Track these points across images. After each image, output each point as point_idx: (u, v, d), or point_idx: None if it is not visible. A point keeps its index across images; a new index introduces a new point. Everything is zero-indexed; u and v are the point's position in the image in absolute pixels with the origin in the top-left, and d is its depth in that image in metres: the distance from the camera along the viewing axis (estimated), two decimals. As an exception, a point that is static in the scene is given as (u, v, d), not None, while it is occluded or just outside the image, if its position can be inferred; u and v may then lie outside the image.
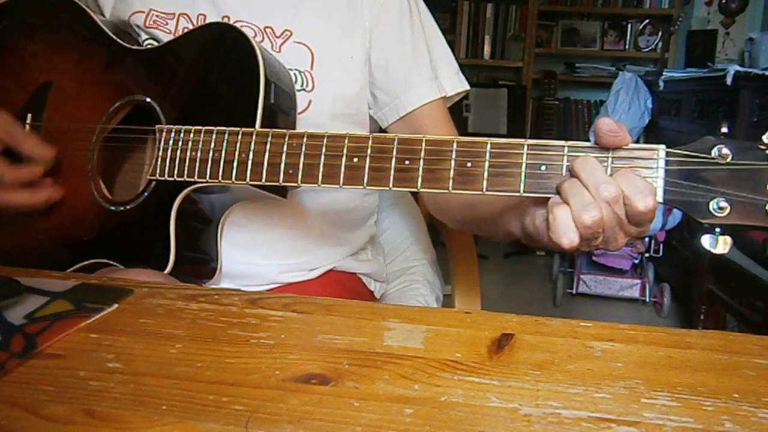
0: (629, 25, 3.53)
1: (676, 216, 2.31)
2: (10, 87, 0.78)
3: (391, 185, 0.55)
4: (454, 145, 0.54)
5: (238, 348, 0.44)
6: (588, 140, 0.52)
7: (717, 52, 3.12)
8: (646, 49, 3.48)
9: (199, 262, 0.72)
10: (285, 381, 0.39)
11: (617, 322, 0.49)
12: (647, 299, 2.59)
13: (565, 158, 0.51)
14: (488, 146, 0.53)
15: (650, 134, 2.98)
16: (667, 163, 0.49)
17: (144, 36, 0.80)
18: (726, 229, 0.48)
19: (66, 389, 0.38)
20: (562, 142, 0.52)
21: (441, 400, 0.38)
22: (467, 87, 0.86)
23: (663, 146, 0.50)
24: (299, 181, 0.59)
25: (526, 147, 0.52)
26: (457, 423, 0.35)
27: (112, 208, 0.70)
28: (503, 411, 0.36)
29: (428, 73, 0.81)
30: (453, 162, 0.53)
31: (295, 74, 0.76)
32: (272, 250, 0.79)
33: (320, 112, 0.77)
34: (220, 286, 0.75)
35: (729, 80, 2.01)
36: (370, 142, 0.56)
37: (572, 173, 0.50)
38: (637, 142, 3.00)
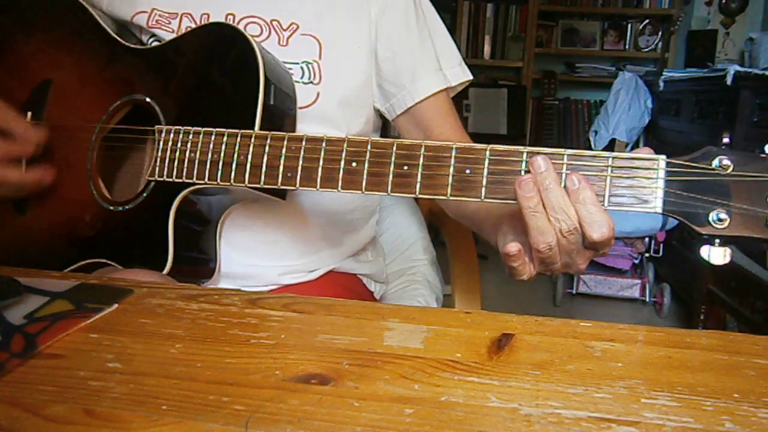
0: (629, 25, 3.52)
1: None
2: (10, 84, 0.78)
3: (389, 190, 0.55)
4: (453, 151, 0.53)
5: (238, 348, 0.44)
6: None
7: (717, 52, 3.12)
8: (646, 49, 3.48)
9: (197, 262, 0.72)
10: (285, 381, 0.39)
11: (617, 322, 0.49)
12: (647, 299, 2.58)
13: (565, 167, 0.51)
14: (487, 153, 0.53)
15: (650, 134, 2.98)
16: (667, 173, 0.49)
17: (147, 36, 0.80)
18: (725, 241, 0.48)
19: (66, 389, 0.38)
20: (561, 150, 0.52)
21: (441, 400, 0.38)
22: (470, 77, 0.87)
23: (663, 156, 0.49)
24: (297, 185, 0.58)
25: (525, 155, 0.52)
26: (457, 423, 0.35)
27: (111, 208, 0.70)
28: (503, 411, 0.36)
29: (434, 65, 0.82)
30: (452, 168, 0.53)
31: (302, 67, 0.76)
32: (273, 252, 0.79)
33: (328, 103, 0.77)
34: (219, 287, 0.75)
35: (729, 80, 2.01)
36: (369, 146, 0.56)
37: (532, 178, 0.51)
38: (637, 142, 3.01)
